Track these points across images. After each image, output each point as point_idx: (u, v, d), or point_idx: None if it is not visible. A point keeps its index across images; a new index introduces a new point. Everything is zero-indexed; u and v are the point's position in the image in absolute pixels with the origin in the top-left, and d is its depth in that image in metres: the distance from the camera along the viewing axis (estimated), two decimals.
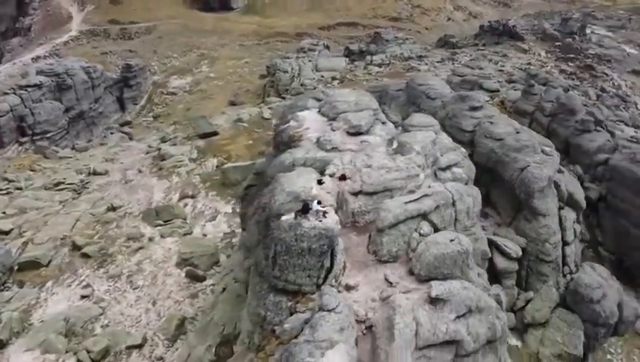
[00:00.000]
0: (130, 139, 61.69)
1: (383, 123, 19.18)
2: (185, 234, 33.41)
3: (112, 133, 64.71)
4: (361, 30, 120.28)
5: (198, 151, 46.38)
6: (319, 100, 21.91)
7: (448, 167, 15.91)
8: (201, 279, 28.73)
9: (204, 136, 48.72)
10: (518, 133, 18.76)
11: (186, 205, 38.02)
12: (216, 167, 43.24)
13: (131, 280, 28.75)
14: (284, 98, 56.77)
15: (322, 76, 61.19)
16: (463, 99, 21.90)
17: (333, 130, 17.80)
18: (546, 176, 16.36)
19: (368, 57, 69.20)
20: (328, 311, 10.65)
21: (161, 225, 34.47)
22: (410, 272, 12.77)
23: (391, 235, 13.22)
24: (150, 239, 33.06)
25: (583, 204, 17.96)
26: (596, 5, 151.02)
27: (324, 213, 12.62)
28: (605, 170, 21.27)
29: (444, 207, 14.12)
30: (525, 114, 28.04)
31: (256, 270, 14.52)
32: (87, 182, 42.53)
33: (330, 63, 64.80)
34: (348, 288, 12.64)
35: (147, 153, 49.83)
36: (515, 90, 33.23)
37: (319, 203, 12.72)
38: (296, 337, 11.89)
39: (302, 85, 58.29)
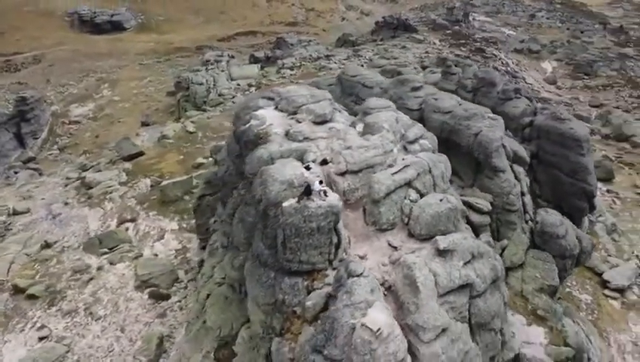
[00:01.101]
0: (40, 174, 57.65)
1: (339, 111, 20.21)
2: (136, 258, 32.28)
3: (16, 173, 60.12)
4: (261, 38, 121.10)
5: (127, 173, 44.68)
6: (270, 99, 22.48)
7: (416, 140, 17.32)
8: (166, 297, 28.05)
9: (130, 158, 47.00)
10: (460, 104, 20.75)
11: (127, 229, 36.67)
12: (151, 186, 41.96)
13: (91, 312, 27.41)
14: (204, 110, 56.19)
15: (238, 84, 61.31)
16: (403, 83, 23.58)
17: (299, 122, 18.50)
18: (498, 137, 18.35)
19: (279, 62, 70.16)
20: (357, 276, 11.41)
21: (107, 253, 33.03)
22: (410, 235, 13.90)
23: (386, 204, 14.29)
24: (99, 268, 31.60)
25: (527, 159, 20.24)
26: None
27: (325, 191, 13.34)
28: (532, 131, 23.91)
29: (423, 174, 15.45)
30: (449, 92, 30.41)
31: (258, 262, 14.94)
32: (9, 224, 39.51)
33: (244, 71, 65.07)
34: (361, 257, 13.49)
35: (66, 185, 47.11)
36: (432, 73, 35.99)
37: (321, 182, 13.43)
38: (319, 313, 12.63)
39: (220, 95, 58.06)
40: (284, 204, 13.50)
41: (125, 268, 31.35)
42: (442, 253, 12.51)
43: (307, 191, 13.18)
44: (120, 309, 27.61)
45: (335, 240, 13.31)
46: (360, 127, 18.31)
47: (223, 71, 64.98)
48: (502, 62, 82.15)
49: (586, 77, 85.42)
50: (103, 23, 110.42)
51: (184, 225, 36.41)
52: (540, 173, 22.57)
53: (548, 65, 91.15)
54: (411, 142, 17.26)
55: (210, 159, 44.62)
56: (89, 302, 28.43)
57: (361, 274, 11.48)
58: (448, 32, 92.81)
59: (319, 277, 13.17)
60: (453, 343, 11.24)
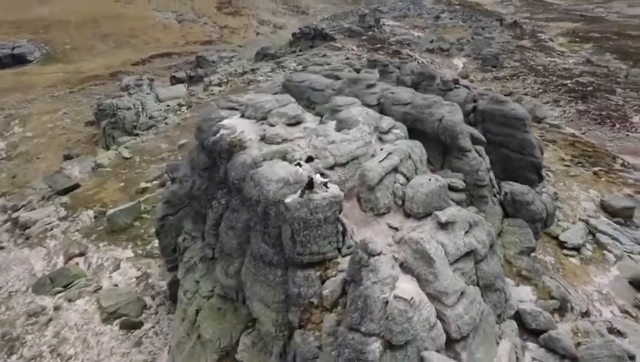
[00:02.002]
0: None
1: (305, 112, 20.83)
2: (95, 291, 30.84)
3: None
4: (177, 58, 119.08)
5: (65, 208, 42.40)
6: (232, 109, 22.70)
7: (389, 130, 18.28)
8: (138, 325, 27.12)
9: (65, 191, 44.66)
10: (415, 95, 22.12)
11: (77, 264, 34.91)
12: (95, 217, 40.16)
13: (59, 354, 25.90)
14: (136, 135, 54.54)
15: (168, 105, 60.09)
16: (356, 82, 24.63)
17: (273, 126, 18.89)
18: (460, 120, 19.77)
19: (205, 79, 69.53)
20: (378, 254, 12.04)
21: (62, 291, 31.31)
22: (407, 215, 14.77)
23: (381, 190, 15.07)
24: (56, 308, 29.87)
25: (484, 139, 21.91)
26: (378, 0, 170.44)
27: (326, 183, 13.89)
28: (476, 115, 25.81)
29: (405, 159, 16.42)
30: None
31: (261, 263, 15.17)
32: None
33: (171, 92, 63.84)
34: None
35: None
36: (368, 73, 37.62)
37: (322, 175, 13.95)
38: (337, 299, 13.13)
39: (150, 118, 56.65)
40: (287, 201, 13.85)
41: (86, 304, 29.91)
42: (444, 226, 13.47)
43: (310, 185, 13.63)
44: (91, 345, 26.35)
45: (340, 228, 13.86)
46: (332, 124, 19.02)
47: (148, 94, 63.35)
48: (418, 62, 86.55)
49: (493, 69, 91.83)
50: (3, 57, 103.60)
51: (140, 252, 35.28)
52: (490, 154, 24.37)
53: (459, 62, 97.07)
54: (385, 133, 18.22)
55: (155, 182, 43.55)
56: (53, 344, 26.88)
57: (381, 252, 12.11)
58: (364, 38, 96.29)
59: (331, 265, 13.65)
60: (472, 304, 12.16)
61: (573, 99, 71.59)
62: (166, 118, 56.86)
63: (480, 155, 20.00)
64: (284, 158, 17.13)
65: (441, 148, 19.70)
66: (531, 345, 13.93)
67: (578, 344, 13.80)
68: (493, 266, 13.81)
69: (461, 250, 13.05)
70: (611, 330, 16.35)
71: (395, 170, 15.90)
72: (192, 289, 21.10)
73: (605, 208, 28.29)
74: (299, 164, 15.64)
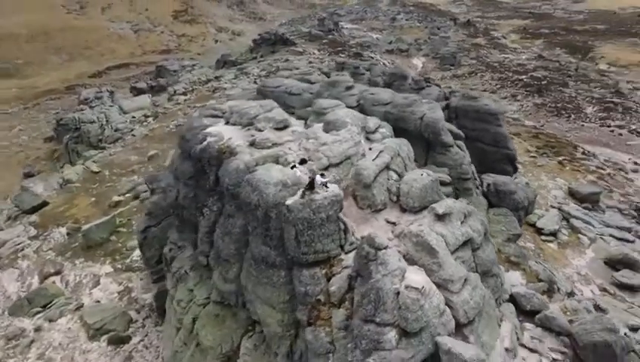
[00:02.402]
0: None
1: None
2: (77, 309, 30.18)
3: None
4: (135, 69, 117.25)
5: (34, 226, 41.19)
6: (215, 116, 22.85)
7: (376, 130, 18.84)
8: (127, 340, 26.75)
9: (34, 209, 43.34)
10: (394, 95, 22.81)
11: (54, 283, 34.04)
12: (68, 234, 39.18)
13: None
14: (103, 148, 53.45)
15: (133, 117, 59.14)
16: (334, 84, 25.15)
17: (261, 131, 19.17)
18: (441, 117, 20.55)
19: (170, 89, 68.76)
20: (385, 248, 12.53)
21: (40, 312, 30.49)
22: (402, 210, 15.36)
23: (376, 187, 15.59)
24: (37, 329, 29.06)
25: (462, 134, 22.78)
26: (333, 4, 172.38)
27: (326, 183, 14.29)
28: (450, 112, 26.72)
29: (395, 156, 17.02)
30: None
31: (263, 265, 15.44)
32: None
33: (135, 103, 62.84)
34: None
35: None
36: (338, 75, 38.25)
37: (322, 175, 14.35)
38: (344, 295, 13.56)
39: (116, 130, 55.62)
40: (288, 203, 14.19)
41: (69, 322, 29.26)
42: (441, 218, 14.11)
43: (311, 186, 14.01)
44: None
45: (342, 226, 14.30)
46: (318, 126, 19.45)
47: (112, 106, 62.15)
48: (383, 64, 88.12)
49: (451, 67, 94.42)
50: None
51: (119, 266, 34.70)
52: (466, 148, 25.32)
53: (418, 62, 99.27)
54: (372, 132, 18.78)
55: (128, 195, 42.82)
56: None
57: (387, 246, 12.61)
58: (324, 41, 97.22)
59: (336, 263, 14.06)
60: (475, 290, 12.81)
61: (529, 94, 74.52)
62: (132, 130, 55.93)
63: (461, 150, 20.84)
64: (276, 162, 17.44)
65: (424, 145, 20.42)
66: (528, 325, 14.73)
67: (570, 321, 14.70)
68: (488, 253, 14.55)
69: (459, 240, 13.73)
70: (596, 307, 17.42)
71: (387, 167, 16.47)
72: (186, 298, 21.07)
73: (573, 195, 29.83)
74: (294, 167, 15.98)
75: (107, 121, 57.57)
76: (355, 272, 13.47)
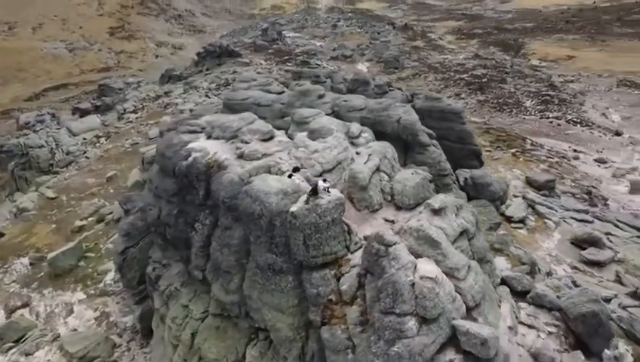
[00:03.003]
0: None
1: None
2: (54, 340, 29.28)
3: None
4: (75, 89, 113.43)
5: None
6: (192, 132, 23.07)
7: (360, 135, 19.73)
8: None
9: None
10: (367, 100, 23.83)
11: (22, 315, 32.76)
12: (31, 264, 37.78)
13: None
14: (55, 173, 51.65)
15: (84, 139, 57.42)
16: (305, 93, 25.89)
17: (248, 143, 19.65)
18: (416, 119, 21.71)
19: (119, 107, 67.21)
20: (394, 244, 13.38)
21: (13, 346, 29.34)
22: (398, 208, 16.32)
23: (372, 189, 16.47)
24: None
25: (434, 133, 24.06)
26: (273, 14, 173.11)
27: (328, 188, 15.01)
28: (416, 112, 28.08)
29: (382, 159, 17.97)
30: None
31: (270, 272, 15.94)
32: None
33: (84, 124, 61.00)
34: (367, 238, 15.41)
35: None
36: (299, 85, 39.00)
37: (325, 181, 15.04)
38: (356, 292, 14.32)
39: (68, 154, 53.86)
40: (293, 210, 14.78)
41: (48, 354, 28.39)
42: (437, 212, 15.15)
43: (314, 192, 14.69)
44: None
45: (346, 228, 15.06)
46: (302, 135, 20.15)
47: (59, 129, 60.06)
48: (324, 69, 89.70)
49: (395, 70, 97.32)
50: None
51: (92, 292, 33.92)
52: None
53: (362, 66, 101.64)
54: (356, 137, 19.67)
55: (92, 219, 41.72)
56: None
57: (396, 242, 13.47)
58: (270, 51, 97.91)
59: (343, 263, 14.79)
60: (477, 275, 13.89)
61: (472, 91, 78.20)
62: (85, 152, 54.36)
63: (437, 148, 22.12)
64: (268, 172, 17.99)
65: (403, 146, 21.54)
66: (522, 304, 15.99)
67: (557, 297, 16.09)
68: (481, 241, 15.74)
69: (456, 231, 14.81)
70: (573, 284, 19.01)
71: (378, 169, 17.39)
72: (181, 314, 21.11)
73: (531, 183, 31.97)
74: (291, 175, 16.59)
75: (57, 144, 55.60)
76: (363, 270, 14.26)
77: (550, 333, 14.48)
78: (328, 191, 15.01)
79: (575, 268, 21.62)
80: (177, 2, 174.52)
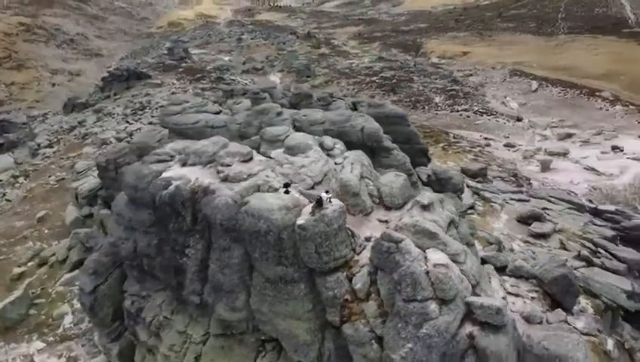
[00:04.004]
0: None
1: None
2: None
3: None
4: None
5: None
6: (162, 161, 23.41)
7: (334, 146, 21.24)
8: None
9: None
10: (325, 114, 25.39)
11: None
12: None
13: None
14: None
15: (0, 180, 53.62)
16: (263, 112, 26.87)
17: (230, 165, 20.48)
18: (378, 127, 23.47)
19: (31, 143, 63.28)
20: (402, 240, 15.09)
21: None
22: (387, 208, 18.10)
23: (363, 194, 18.08)
24: None
25: (390, 138, 26.07)
26: (171, 31, 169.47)
27: (330, 198, 16.43)
28: None
29: (362, 166, 19.67)
30: None
31: (281, 284, 17.03)
32: None
33: None
34: (368, 239, 17.05)
35: None
36: (237, 103, 39.69)
37: (327, 192, 16.42)
38: (369, 288, 15.88)
39: None
40: (300, 222, 16.04)
41: None
42: (426, 207, 17.10)
43: (320, 203, 16.05)
44: None
45: (349, 232, 16.57)
46: (278, 152, 21.35)
47: None
48: (242, 84, 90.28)
49: (308, 79, 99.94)
50: None
51: (51, 339, 32.62)
52: None
53: (275, 78, 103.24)
54: (331, 149, 21.21)
55: (31, 263, 39.48)
56: None
57: (404, 238, 15.20)
58: (180, 70, 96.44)
59: (353, 264, 16.28)
60: (472, 258, 15.97)
61: (385, 93, 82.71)
62: (4, 195, 50.79)
63: (399, 151, 24.23)
64: (258, 191, 19.01)
65: (369, 152, 23.28)
66: (504, 278, 18.38)
67: (531, 267, 18.69)
68: (465, 228, 17.91)
69: (446, 221, 16.85)
70: (534, 254, 21.88)
71: (361, 176, 19.06)
72: (179, 341, 21.38)
73: (466, 173, 35.33)
74: (288, 192, 17.77)
75: None
76: (373, 268, 15.88)
77: (533, 298, 16.96)
78: (330, 202, 16.43)
79: (526, 241, 24.68)
80: (67, 26, 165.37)
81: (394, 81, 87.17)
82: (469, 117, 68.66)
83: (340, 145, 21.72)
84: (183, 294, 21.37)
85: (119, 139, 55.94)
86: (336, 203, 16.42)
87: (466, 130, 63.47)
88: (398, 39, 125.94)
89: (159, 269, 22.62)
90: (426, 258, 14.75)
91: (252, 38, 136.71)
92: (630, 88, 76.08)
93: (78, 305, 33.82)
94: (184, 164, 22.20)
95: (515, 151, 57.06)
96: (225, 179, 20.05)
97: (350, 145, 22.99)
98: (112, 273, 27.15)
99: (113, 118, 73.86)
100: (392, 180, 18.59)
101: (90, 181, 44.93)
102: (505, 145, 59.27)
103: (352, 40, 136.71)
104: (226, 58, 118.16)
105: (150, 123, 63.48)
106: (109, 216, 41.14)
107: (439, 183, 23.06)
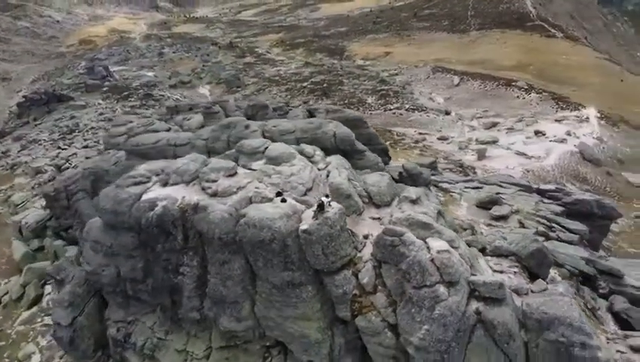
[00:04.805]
0: None
1: None
2: None
3: None
4: None
5: None
6: (139, 183, 23.38)
7: (314, 153, 22.24)
8: None
9: None
10: (295, 122, 26.26)
11: None
12: None
13: None
14: None
15: None
16: (229, 126, 27.21)
17: (215, 181, 20.92)
18: (349, 131, 24.64)
19: None
20: (404, 233, 16.42)
21: None
22: (377, 206, 19.45)
23: (354, 195, 19.27)
24: None
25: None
26: (83, 49, 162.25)
27: (330, 202, 17.48)
28: None
29: (346, 170, 20.88)
30: None
31: (288, 288, 17.83)
32: None
33: None
34: (366, 236, 18.29)
35: None
36: (187, 120, 39.42)
37: (327, 196, 17.44)
38: (375, 281, 17.11)
39: None
40: (304, 227, 16.96)
41: None
42: (415, 201, 18.60)
43: (321, 207, 17.06)
44: None
45: (350, 231, 17.72)
46: (259, 163, 22.07)
47: None
48: (173, 100, 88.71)
49: (239, 89, 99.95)
50: None
51: None
52: None
53: (204, 90, 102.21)
54: (312, 157, 22.20)
55: None
56: None
57: (405, 231, 16.54)
58: (105, 89, 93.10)
59: (357, 261, 17.44)
60: (462, 242, 17.64)
61: (318, 97, 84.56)
62: None
63: (371, 152, 25.62)
64: (250, 202, 19.65)
65: (343, 156, 24.49)
66: (487, 258, 20.22)
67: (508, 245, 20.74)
68: (449, 217, 19.58)
69: (434, 212, 18.44)
70: (503, 237, 24.07)
71: (349, 179, 20.26)
72: (179, 359, 21.47)
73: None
74: (284, 200, 18.58)
75: None
76: (377, 262, 17.14)
77: (515, 273, 18.92)
78: (330, 205, 17.49)
79: (489, 224, 26.93)
80: None
81: (325, 85, 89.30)
82: (401, 114, 71.99)
83: (319, 152, 22.76)
84: (179, 312, 21.50)
85: (57, 166, 53.47)
86: (336, 205, 17.50)
87: (400, 127, 66.53)
88: (321, 44, 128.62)
89: (148, 292, 22.55)
90: (428, 246, 16.16)
91: (174, 52, 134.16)
92: (540, 77, 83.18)
93: (44, 343, 32.50)
94: (165, 184, 22.27)
95: (449, 144, 60.75)
96: (214, 195, 20.45)
97: (325, 152, 24.08)
98: (89, 303, 26.67)
99: (40, 144, 70.26)
100: (378, 180, 19.96)
101: (35, 213, 42.93)
102: (438, 139, 62.90)
103: (276, 47, 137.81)
104: (150, 74, 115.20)
105: (85, 146, 61.24)
106: (62, 247, 39.64)
107: (411, 179, 24.71)
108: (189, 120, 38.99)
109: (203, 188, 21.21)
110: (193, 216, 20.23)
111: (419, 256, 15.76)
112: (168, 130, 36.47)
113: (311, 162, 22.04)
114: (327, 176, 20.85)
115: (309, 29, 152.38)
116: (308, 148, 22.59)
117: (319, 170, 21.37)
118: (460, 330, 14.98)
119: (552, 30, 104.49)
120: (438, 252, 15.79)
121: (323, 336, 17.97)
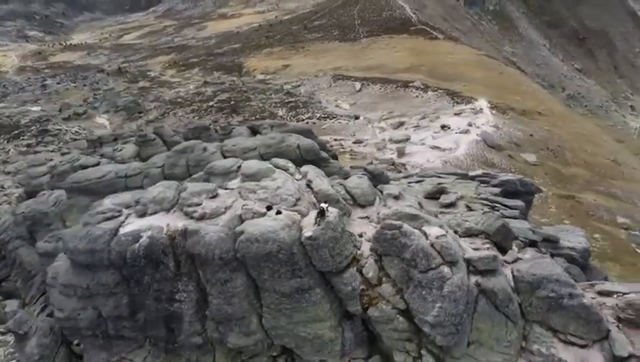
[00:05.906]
0: None
1: None
2: None
3: None
4: None
5: None
6: (110, 218, 22.90)
7: (288, 166, 23.24)
8: None
9: None
10: (255, 139, 26.90)
11: None
12: None
13: None
14: None
15: None
16: (186, 150, 27.10)
17: (199, 204, 21.17)
18: (312, 142, 25.88)
19: None
20: (402, 226, 18.12)
21: None
22: (362, 206, 21.07)
23: (340, 200, 20.64)
24: None
25: None
26: None
27: (328, 207, 18.71)
28: None
29: (325, 178, 22.19)
30: None
31: (297, 294, 18.76)
32: None
33: None
34: (360, 235, 19.77)
35: None
36: (117, 151, 37.87)
37: (325, 202, 18.65)
38: (379, 273, 18.67)
39: None
40: (308, 234, 18.08)
41: None
42: (397, 197, 20.42)
43: (322, 213, 18.26)
44: None
45: (349, 232, 19.11)
46: (235, 182, 22.67)
47: None
48: (72, 133, 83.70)
49: (141, 115, 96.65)
50: None
51: None
52: None
53: (102, 119, 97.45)
54: (287, 169, 23.16)
55: None
56: None
57: (402, 224, 18.24)
58: None
59: (360, 258, 18.84)
60: (447, 228, 19.75)
61: (228, 115, 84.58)
62: None
63: (335, 159, 27.13)
64: (241, 220, 20.26)
65: (312, 163, 25.70)
66: (464, 239, 22.46)
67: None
68: (428, 208, 21.63)
69: (417, 206, 20.39)
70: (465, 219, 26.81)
71: (332, 186, 21.61)
72: None
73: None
74: (280, 212, 19.46)
75: None
76: (378, 256, 18.72)
77: (488, 248, 21.42)
78: (328, 210, 18.74)
79: (442, 212, 29.57)
80: None
81: (232, 102, 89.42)
82: (315, 123, 74.43)
83: (291, 164, 23.79)
84: (177, 341, 21.33)
85: None
86: (333, 210, 18.79)
87: (318, 135, 68.76)
88: (216, 62, 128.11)
89: (135, 327, 22.09)
90: (425, 234, 18.03)
91: (58, 83, 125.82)
92: (432, 76, 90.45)
93: None
94: (143, 215, 22.02)
95: (365, 146, 64.20)
96: (202, 218, 20.70)
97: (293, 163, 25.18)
98: (58, 352, 25.44)
99: None
100: (359, 182, 21.55)
101: None
102: (354, 143, 66.15)
103: (169, 69, 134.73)
104: (36, 108, 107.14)
105: None
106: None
107: (375, 179, 26.57)
108: (120, 150, 37.78)
109: (186, 214, 21.30)
110: (184, 242, 20.34)
111: (421, 244, 17.55)
112: (97, 163, 35.10)
113: (289, 174, 23.06)
114: (308, 185, 21.99)
115: (200, 48, 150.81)
116: (281, 162, 23.55)
117: (297, 180, 22.43)
118: (468, 302, 16.97)
119: (434, 32, 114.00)
120: (437, 237, 17.72)
121: (335, 334, 19.08)
